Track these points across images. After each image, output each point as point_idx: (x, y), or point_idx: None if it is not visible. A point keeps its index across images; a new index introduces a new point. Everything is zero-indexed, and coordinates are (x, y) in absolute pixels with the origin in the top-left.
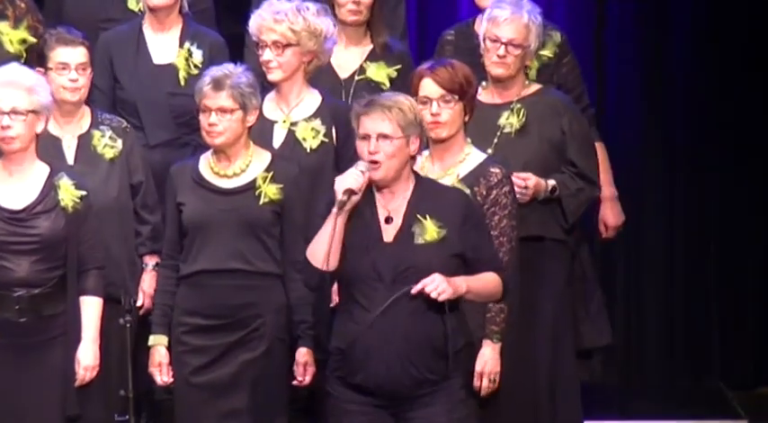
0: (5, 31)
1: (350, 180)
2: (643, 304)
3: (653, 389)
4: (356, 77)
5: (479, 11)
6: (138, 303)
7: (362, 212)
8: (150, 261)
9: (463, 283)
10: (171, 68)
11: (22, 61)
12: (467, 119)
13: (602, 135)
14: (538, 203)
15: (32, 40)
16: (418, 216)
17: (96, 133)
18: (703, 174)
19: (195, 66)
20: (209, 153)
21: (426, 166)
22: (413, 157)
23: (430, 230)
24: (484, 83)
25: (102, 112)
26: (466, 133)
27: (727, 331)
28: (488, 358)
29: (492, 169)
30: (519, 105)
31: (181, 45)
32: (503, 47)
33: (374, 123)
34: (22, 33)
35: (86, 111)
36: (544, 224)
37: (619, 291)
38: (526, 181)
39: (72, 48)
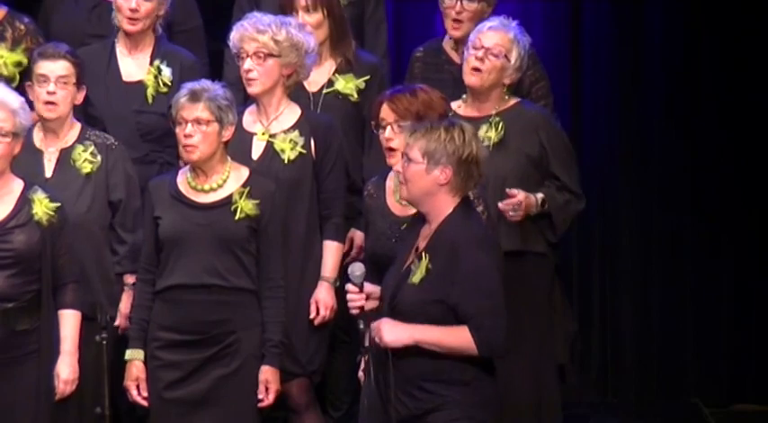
0: (1, 54)
1: (352, 306)
2: (618, 319)
3: (629, 406)
4: (324, 91)
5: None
6: (116, 323)
7: (410, 236)
8: (129, 280)
9: (411, 333)
10: (139, 86)
11: (15, 84)
12: None
13: (577, 149)
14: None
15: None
16: (422, 253)
17: (78, 148)
18: (680, 184)
19: (164, 84)
20: (186, 168)
21: (397, 189)
22: (443, 185)
23: (419, 272)
24: (464, 96)
25: (93, 128)
26: None
27: (703, 348)
28: None
29: None
30: (497, 119)
31: (151, 63)
32: (482, 50)
33: (405, 143)
34: (17, 56)
35: (75, 126)
36: (525, 238)
37: (594, 307)
38: (516, 197)
39: (52, 61)
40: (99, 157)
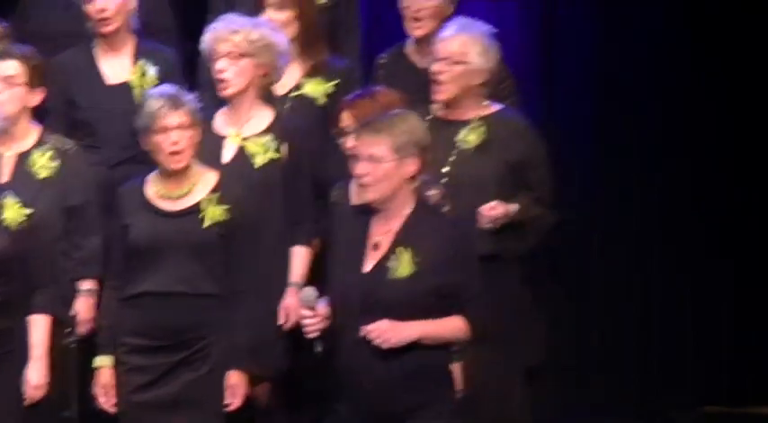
0: None
1: (309, 331)
2: (587, 323)
3: (598, 408)
4: (292, 94)
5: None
6: (67, 330)
7: (354, 235)
8: (83, 286)
9: (415, 332)
10: (125, 87)
11: None
12: None
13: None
14: None
15: None
16: (400, 248)
17: (36, 152)
18: (652, 189)
19: (150, 83)
20: (154, 174)
21: (361, 194)
22: (408, 179)
23: (404, 265)
24: None
25: (52, 133)
26: None
27: (673, 349)
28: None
29: (428, 193)
30: (479, 123)
31: (134, 63)
32: (439, 62)
33: (365, 143)
34: None
35: (34, 130)
36: (496, 244)
37: (562, 307)
38: (496, 209)
39: (1, 61)
40: (56, 162)
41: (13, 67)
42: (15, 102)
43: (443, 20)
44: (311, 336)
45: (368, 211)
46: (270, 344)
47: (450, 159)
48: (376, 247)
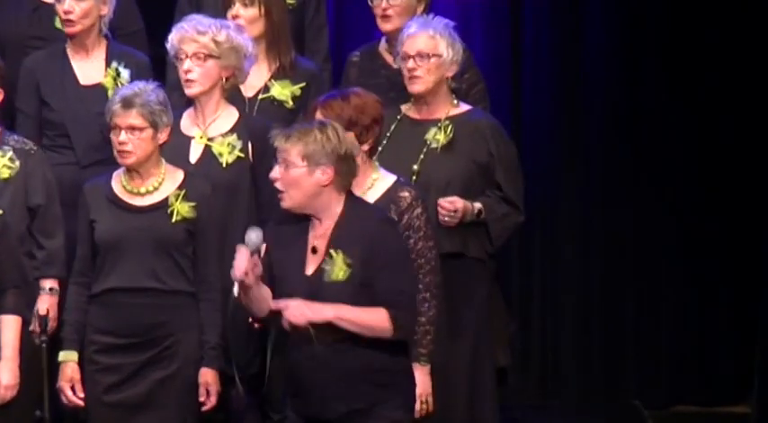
0: None
1: (237, 268)
2: (557, 323)
3: (569, 407)
4: (260, 96)
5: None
6: (31, 327)
7: (297, 239)
8: (46, 285)
9: (330, 311)
10: (99, 89)
11: None
12: (366, 147)
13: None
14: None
15: None
16: (331, 250)
17: None
18: (620, 189)
19: (123, 85)
20: (121, 171)
21: None
22: (326, 186)
23: (337, 268)
24: (412, 100)
25: (12, 133)
26: (371, 160)
27: (643, 349)
28: (419, 382)
29: (401, 194)
30: (447, 123)
31: (108, 65)
32: (411, 60)
33: (279, 150)
34: None
35: None
36: (465, 242)
37: (534, 307)
38: (454, 204)
39: None
40: (17, 163)
41: None
42: None
43: (412, 16)
44: (235, 275)
45: (306, 215)
46: (240, 343)
47: (420, 158)
48: (314, 250)
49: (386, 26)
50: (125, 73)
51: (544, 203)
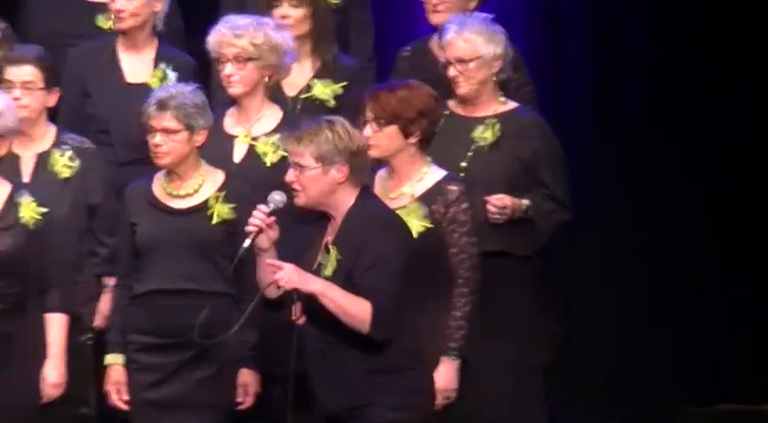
0: None
1: (252, 221)
2: (598, 320)
3: (608, 406)
4: (302, 96)
5: (435, 29)
6: (95, 323)
7: (318, 236)
8: (110, 282)
9: (318, 285)
10: (144, 88)
11: None
12: (413, 140)
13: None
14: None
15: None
16: (329, 246)
17: (55, 152)
18: (658, 190)
19: None
20: (161, 173)
21: (384, 184)
22: (341, 183)
23: (330, 264)
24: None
25: (68, 131)
26: (423, 153)
27: (685, 347)
28: (444, 375)
29: (449, 187)
30: (495, 121)
31: (156, 65)
32: (451, 67)
33: (290, 153)
34: None
35: (51, 130)
36: (511, 240)
37: (574, 306)
38: (503, 201)
39: (17, 67)
40: (77, 162)
41: (30, 72)
42: (35, 106)
43: (463, 12)
44: (250, 229)
45: (324, 215)
46: (283, 343)
47: (467, 156)
48: (326, 248)
49: (436, 19)
50: (172, 75)
51: (582, 203)
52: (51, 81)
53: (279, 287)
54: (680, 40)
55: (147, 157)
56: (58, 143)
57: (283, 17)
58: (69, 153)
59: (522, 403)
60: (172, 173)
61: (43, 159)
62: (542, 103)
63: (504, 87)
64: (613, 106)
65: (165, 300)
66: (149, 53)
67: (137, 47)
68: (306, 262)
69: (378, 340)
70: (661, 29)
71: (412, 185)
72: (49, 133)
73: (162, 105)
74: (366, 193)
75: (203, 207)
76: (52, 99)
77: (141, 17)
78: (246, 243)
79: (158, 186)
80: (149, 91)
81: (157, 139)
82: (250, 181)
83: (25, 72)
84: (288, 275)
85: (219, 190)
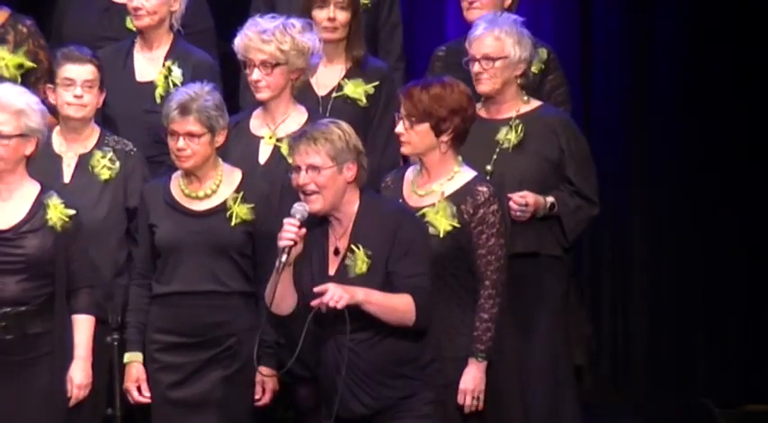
0: (2, 56)
1: (285, 237)
2: (629, 321)
3: (638, 406)
4: (333, 95)
5: (469, 26)
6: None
7: (318, 243)
8: None
9: (360, 293)
10: (151, 86)
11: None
12: (445, 138)
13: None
14: (534, 219)
15: (30, 64)
16: (353, 246)
17: (97, 153)
18: (690, 188)
19: (174, 84)
20: (178, 174)
21: (416, 179)
22: (350, 183)
23: (359, 263)
24: (482, 99)
25: (111, 134)
26: (455, 152)
27: (714, 348)
28: (472, 376)
29: (479, 188)
30: (518, 122)
31: (165, 63)
32: (477, 63)
33: (303, 155)
34: (19, 58)
35: (95, 131)
36: (540, 240)
37: (605, 307)
38: (525, 198)
39: (79, 65)
40: (117, 164)
41: (91, 71)
42: (93, 105)
43: (501, 9)
44: (284, 244)
45: (325, 219)
46: (309, 343)
47: (493, 159)
48: (336, 252)
49: (471, 16)
50: (177, 72)
51: (614, 201)
52: (103, 81)
53: (328, 308)
54: (711, 39)
55: (156, 156)
56: (100, 144)
57: (330, 20)
58: (110, 155)
59: (553, 404)
60: (191, 174)
61: (85, 160)
62: (574, 102)
63: (539, 88)
64: (644, 105)
65: (187, 300)
66: (162, 51)
67: (151, 46)
68: (314, 269)
69: (421, 330)
70: (692, 28)
71: (442, 184)
72: (93, 134)
73: (184, 109)
74: (368, 192)
75: (222, 208)
76: (102, 99)
77: (158, 15)
78: (284, 258)
79: (176, 187)
80: (154, 89)
81: (180, 143)
82: (275, 182)
83: (87, 71)
84: (337, 295)
85: (237, 190)
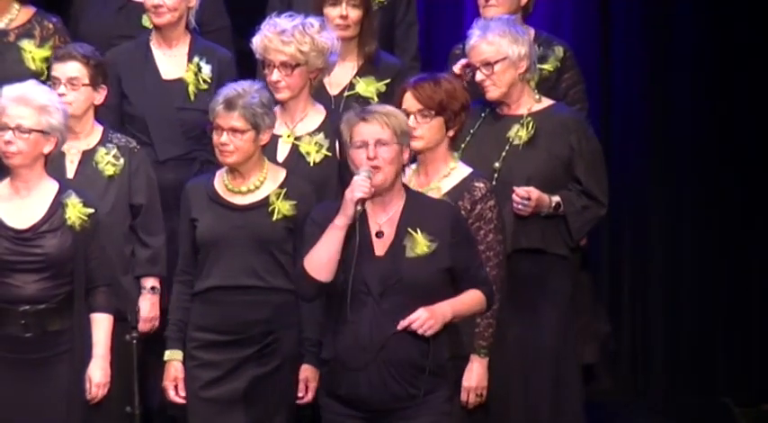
0: (29, 49)
1: (359, 189)
2: (648, 319)
3: (657, 406)
4: (346, 93)
5: None
6: (140, 327)
7: (354, 226)
8: (147, 284)
9: (449, 312)
10: (180, 84)
11: (42, 79)
12: (451, 134)
13: (607, 150)
14: (540, 217)
15: None
16: (409, 229)
17: (101, 150)
18: (709, 187)
19: (204, 81)
20: (224, 170)
21: (413, 179)
22: (405, 166)
23: (420, 244)
24: None
25: (115, 131)
26: (452, 148)
27: (733, 347)
28: (475, 373)
29: (476, 183)
30: (529, 119)
31: (189, 60)
32: (479, 71)
33: (372, 130)
34: (45, 52)
35: (98, 128)
36: (545, 238)
37: (624, 306)
38: (529, 193)
39: (62, 63)
40: (122, 160)
41: (75, 68)
42: (80, 102)
43: (518, 7)
44: (359, 195)
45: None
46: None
47: (501, 156)
48: (379, 235)
49: (489, 13)
50: (206, 68)
51: (633, 199)
52: (98, 79)
53: (425, 335)
54: (732, 41)
55: (187, 154)
56: (104, 141)
57: (342, 17)
58: (114, 151)
59: (555, 403)
60: (235, 170)
61: (88, 157)
62: (592, 103)
63: (555, 86)
64: (665, 103)
65: (227, 296)
66: (183, 48)
67: (170, 43)
68: (356, 252)
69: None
70: (712, 29)
71: (439, 180)
72: (95, 131)
73: (230, 105)
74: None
75: (264, 203)
76: (100, 96)
77: (178, 12)
78: (358, 207)
79: (220, 183)
80: (185, 86)
81: (224, 138)
82: None
83: (70, 69)
84: (430, 319)
85: (281, 187)
